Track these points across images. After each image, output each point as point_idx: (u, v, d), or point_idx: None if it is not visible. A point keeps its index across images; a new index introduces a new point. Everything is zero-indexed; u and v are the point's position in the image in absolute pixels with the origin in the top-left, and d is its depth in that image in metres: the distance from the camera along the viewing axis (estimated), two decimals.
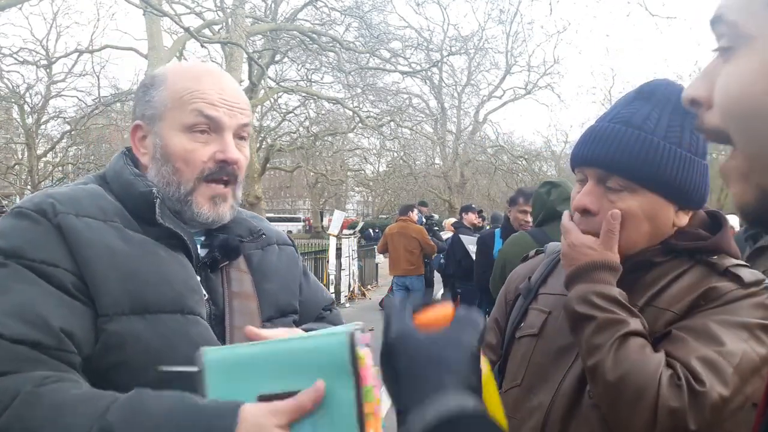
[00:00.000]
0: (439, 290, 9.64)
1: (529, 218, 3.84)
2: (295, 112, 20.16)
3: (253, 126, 16.65)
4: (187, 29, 9.61)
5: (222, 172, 1.12)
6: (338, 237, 11.83)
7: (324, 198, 38.42)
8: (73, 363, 0.94)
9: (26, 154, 22.14)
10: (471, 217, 8.14)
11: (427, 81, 25.49)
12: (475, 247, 5.45)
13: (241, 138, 1.15)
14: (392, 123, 19.42)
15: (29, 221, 1.00)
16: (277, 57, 16.73)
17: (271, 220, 2.96)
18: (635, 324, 1.03)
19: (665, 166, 1.07)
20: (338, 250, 11.70)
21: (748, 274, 1.07)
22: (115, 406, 0.86)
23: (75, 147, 23.72)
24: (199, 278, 1.10)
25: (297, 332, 1.04)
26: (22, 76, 23.85)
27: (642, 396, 0.97)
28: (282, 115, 20.19)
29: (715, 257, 1.12)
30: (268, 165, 17.37)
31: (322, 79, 19.08)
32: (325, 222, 34.89)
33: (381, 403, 0.84)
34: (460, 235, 6.92)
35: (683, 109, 1.10)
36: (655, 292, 1.11)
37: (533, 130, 75.31)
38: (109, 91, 20.04)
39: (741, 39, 0.48)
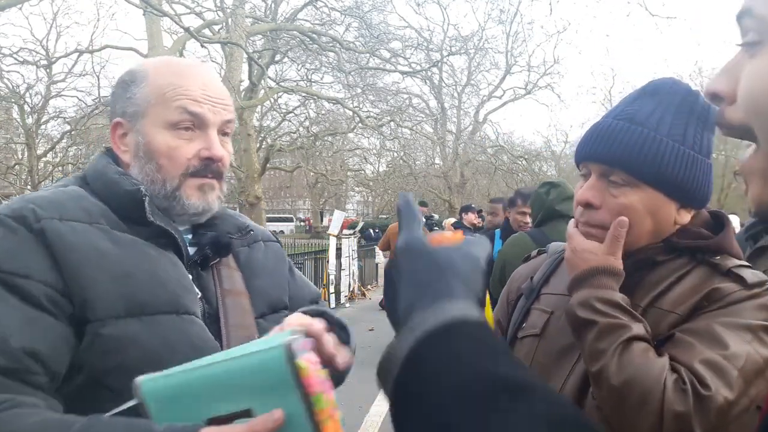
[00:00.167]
0: None
1: (528, 219, 3.85)
2: (295, 112, 20.15)
3: (253, 126, 16.77)
4: (187, 29, 9.60)
5: (207, 170, 1.10)
6: (338, 237, 11.83)
7: (324, 198, 38.41)
8: (37, 384, 0.90)
9: (26, 154, 22.12)
10: (471, 217, 8.14)
11: (427, 81, 25.49)
12: None
13: (225, 134, 1.13)
14: (392, 123, 19.41)
15: (4, 229, 0.96)
16: (277, 57, 16.72)
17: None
18: (638, 328, 1.03)
19: (666, 163, 1.08)
20: (338, 250, 11.71)
21: (751, 275, 1.07)
22: None
23: (75, 147, 23.69)
24: (190, 277, 1.08)
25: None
26: (22, 76, 23.85)
27: (647, 400, 0.97)
28: (282, 115, 20.17)
29: (718, 258, 1.12)
30: (268, 165, 17.34)
31: (322, 79, 19.10)
32: (325, 222, 34.90)
33: (336, 405, 0.81)
34: None
35: (688, 107, 1.11)
36: (659, 293, 1.11)
37: (533, 130, 75.35)
38: (109, 91, 19.86)
39: None
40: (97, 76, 20.09)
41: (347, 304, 11.44)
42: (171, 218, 1.10)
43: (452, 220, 9.70)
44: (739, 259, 1.13)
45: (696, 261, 1.12)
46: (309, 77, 18.66)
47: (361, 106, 19.12)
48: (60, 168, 23.94)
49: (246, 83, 15.15)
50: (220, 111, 1.11)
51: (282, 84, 16.34)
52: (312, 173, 25.08)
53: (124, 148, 1.12)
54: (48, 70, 20.40)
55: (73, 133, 21.34)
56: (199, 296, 1.07)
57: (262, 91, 15.79)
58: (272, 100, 17.60)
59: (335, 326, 1.06)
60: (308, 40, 15.06)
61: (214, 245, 1.12)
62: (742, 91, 0.49)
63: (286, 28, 15.01)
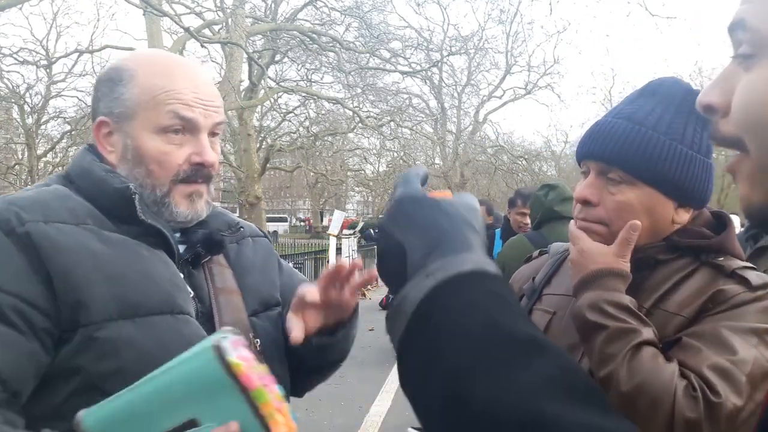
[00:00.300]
0: None
1: (528, 220, 3.85)
2: (295, 112, 20.15)
3: (253, 126, 16.76)
4: (187, 29, 9.60)
5: (197, 175, 1.08)
6: (338, 237, 11.84)
7: (324, 198, 38.42)
8: None
9: (26, 154, 22.12)
10: None
11: (427, 81, 25.47)
12: None
13: (214, 135, 1.11)
14: (392, 123, 19.40)
15: None
16: (277, 57, 16.73)
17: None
18: (647, 333, 1.03)
19: (663, 162, 1.08)
20: (338, 250, 11.72)
21: (756, 276, 1.07)
22: None
23: (75, 147, 23.68)
24: (182, 275, 1.06)
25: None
26: (22, 76, 23.87)
27: (657, 406, 0.96)
28: (282, 115, 20.17)
29: (721, 258, 1.11)
30: (268, 165, 17.34)
31: (322, 79, 19.11)
32: (325, 222, 34.90)
33: (281, 398, 0.80)
34: None
35: (688, 106, 1.11)
36: (663, 294, 1.10)
37: (533, 130, 75.17)
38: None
39: (765, 47, 0.47)
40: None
41: None
42: None
43: None
44: (741, 259, 1.13)
45: (699, 261, 1.12)
46: (309, 77, 18.68)
47: (361, 106, 19.12)
48: (60, 168, 23.92)
49: (246, 83, 15.16)
50: (212, 114, 1.08)
51: (282, 84, 16.35)
52: (312, 173, 25.08)
53: (110, 148, 1.08)
54: (48, 70, 20.39)
55: (73, 133, 21.33)
56: (191, 295, 1.05)
57: (262, 91, 15.80)
58: (272, 100, 17.61)
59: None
60: (308, 40, 15.07)
61: (206, 243, 1.10)
62: (737, 105, 0.49)
63: (286, 28, 15.02)
